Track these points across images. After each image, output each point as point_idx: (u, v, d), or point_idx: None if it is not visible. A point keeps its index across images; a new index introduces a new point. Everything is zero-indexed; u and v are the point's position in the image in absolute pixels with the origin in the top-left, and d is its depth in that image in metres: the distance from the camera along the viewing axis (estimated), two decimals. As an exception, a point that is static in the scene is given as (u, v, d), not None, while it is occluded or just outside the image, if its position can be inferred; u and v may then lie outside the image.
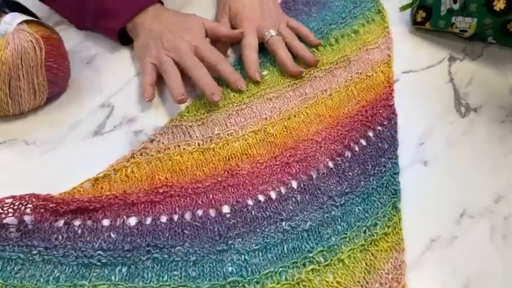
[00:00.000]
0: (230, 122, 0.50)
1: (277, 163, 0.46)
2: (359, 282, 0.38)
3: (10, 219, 0.39)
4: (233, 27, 0.58)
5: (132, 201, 0.42)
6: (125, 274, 0.38)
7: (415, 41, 0.64)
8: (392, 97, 0.54)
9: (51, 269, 0.37)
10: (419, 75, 0.59)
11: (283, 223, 0.41)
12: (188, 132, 0.48)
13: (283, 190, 0.44)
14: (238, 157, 0.47)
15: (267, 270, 0.38)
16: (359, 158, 0.48)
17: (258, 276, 0.38)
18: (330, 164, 0.47)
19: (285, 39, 0.57)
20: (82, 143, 0.48)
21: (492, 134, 0.51)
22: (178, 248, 0.39)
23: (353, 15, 0.66)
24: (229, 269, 0.38)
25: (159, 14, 0.55)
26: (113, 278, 0.37)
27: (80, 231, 0.40)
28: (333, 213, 0.42)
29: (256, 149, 0.47)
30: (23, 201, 0.40)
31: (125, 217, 0.41)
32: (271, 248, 0.40)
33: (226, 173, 0.45)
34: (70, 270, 0.37)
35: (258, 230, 0.41)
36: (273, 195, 0.44)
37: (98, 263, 0.38)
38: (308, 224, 0.41)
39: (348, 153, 0.48)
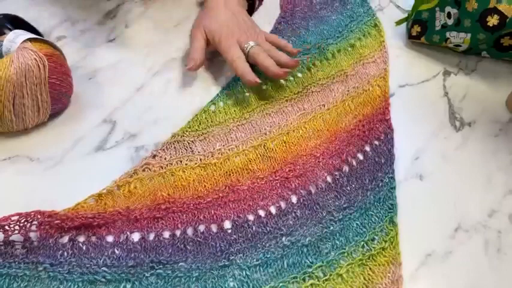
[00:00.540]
0: (231, 137, 0.51)
1: (277, 178, 0.47)
2: (357, 296, 0.39)
3: (16, 236, 0.40)
4: (212, 45, 0.58)
5: (136, 217, 0.43)
6: (129, 290, 0.38)
7: (410, 55, 0.65)
8: (389, 111, 0.56)
9: (56, 285, 0.38)
10: (415, 89, 0.60)
11: (283, 238, 0.42)
12: (190, 148, 0.49)
13: (283, 205, 0.45)
14: (239, 172, 0.48)
15: (268, 285, 0.39)
16: (356, 173, 0.49)
17: (259, 291, 0.39)
18: (329, 179, 0.48)
19: (265, 50, 0.57)
20: (85, 159, 0.49)
21: (486, 148, 0.53)
22: (181, 263, 0.40)
23: (350, 29, 0.68)
24: (231, 284, 0.39)
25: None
26: (117, 294, 0.38)
27: (84, 248, 0.41)
28: (332, 228, 0.43)
29: (257, 164, 0.48)
30: (28, 218, 0.41)
31: (128, 233, 0.42)
32: (272, 263, 0.41)
33: (227, 188, 0.46)
34: (75, 286, 0.38)
35: (258, 245, 0.42)
36: (273, 210, 0.45)
37: (103, 280, 0.39)
38: (307, 239, 0.42)
39: (345, 168, 0.49)
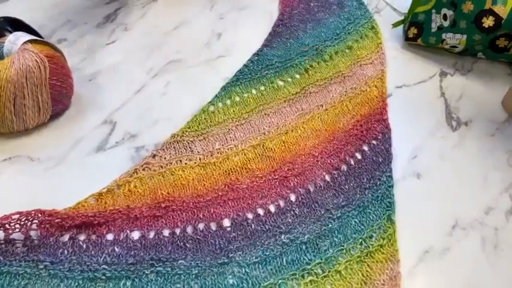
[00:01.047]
0: (230, 137, 0.51)
1: (276, 177, 0.48)
2: (356, 293, 0.39)
3: (17, 235, 0.40)
4: None
5: (136, 215, 0.43)
6: (129, 287, 0.39)
7: (407, 56, 0.66)
8: (386, 111, 0.56)
9: (57, 283, 0.38)
10: (412, 90, 0.60)
11: (282, 236, 0.43)
12: (190, 147, 0.50)
13: (281, 203, 0.46)
14: (238, 171, 0.48)
15: (267, 282, 0.39)
16: (355, 172, 0.49)
17: (258, 288, 0.39)
18: (327, 178, 0.48)
19: None
20: (85, 159, 0.49)
21: (482, 147, 0.53)
22: (181, 261, 0.40)
23: (347, 32, 0.68)
24: (231, 281, 0.39)
25: None
26: (117, 291, 0.38)
27: (84, 246, 0.41)
28: (330, 225, 0.44)
29: (256, 163, 0.49)
30: (29, 217, 0.41)
31: (128, 231, 0.42)
32: (271, 261, 0.41)
33: (226, 187, 0.46)
34: (76, 284, 0.38)
35: (257, 243, 0.42)
36: (272, 208, 0.45)
37: (103, 277, 0.39)
38: (306, 236, 0.43)
39: (344, 167, 0.50)
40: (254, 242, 0.42)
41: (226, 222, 0.44)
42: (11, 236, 0.40)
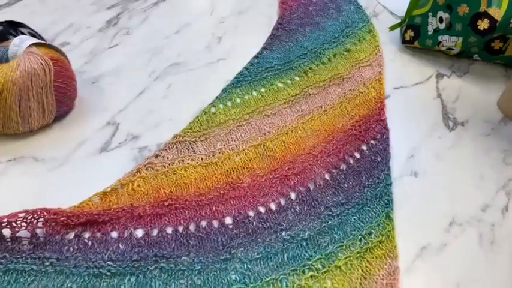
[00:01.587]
0: (231, 137, 0.52)
1: (277, 176, 0.49)
2: (355, 287, 0.40)
3: (23, 233, 0.41)
4: None
5: (139, 213, 0.44)
6: (133, 283, 0.39)
7: (404, 58, 0.67)
8: (384, 112, 0.57)
9: (63, 279, 0.39)
10: (409, 91, 0.62)
11: (283, 233, 0.44)
12: (192, 148, 0.50)
13: (282, 201, 0.47)
14: (240, 171, 0.49)
15: (269, 278, 0.40)
16: (354, 170, 0.50)
17: (260, 284, 0.40)
18: (327, 176, 0.49)
19: None
20: (89, 160, 0.50)
21: (478, 146, 0.54)
22: (184, 257, 0.41)
23: (345, 35, 0.70)
24: (233, 277, 0.40)
25: None
26: (122, 287, 0.39)
27: (89, 243, 0.42)
28: (330, 222, 0.45)
29: (256, 163, 0.50)
30: (35, 215, 0.42)
31: (132, 229, 0.43)
32: (272, 257, 0.42)
33: (228, 186, 0.47)
34: (81, 280, 0.39)
35: (259, 239, 0.43)
36: (273, 206, 0.46)
37: (108, 273, 0.40)
38: (307, 233, 0.44)
39: (343, 166, 0.51)
40: (256, 239, 0.43)
41: (228, 220, 0.45)
42: (18, 234, 0.41)
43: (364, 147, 0.53)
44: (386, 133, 0.54)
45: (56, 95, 0.51)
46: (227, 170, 0.49)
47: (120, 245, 0.42)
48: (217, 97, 0.57)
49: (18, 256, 0.40)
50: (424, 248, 0.43)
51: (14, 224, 0.41)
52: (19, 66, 0.48)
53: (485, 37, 0.61)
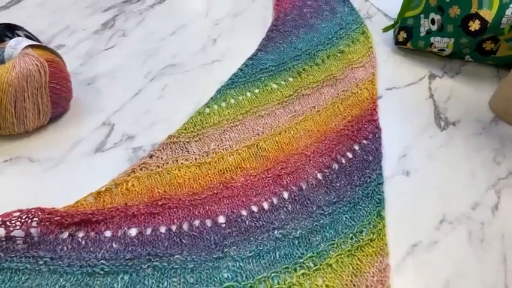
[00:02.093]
0: (225, 138, 0.53)
1: (270, 175, 0.49)
2: (347, 285, 0.40)
3: (17, 232, 0.42)
4: None
5: (133, 213, 0.44)
6: (126, 281, 0.40)
7: (397, 59, 0.68)
8: (376, 112, 0.58)
9: (56, 278, 0.39)
10: (402, 92, 0.62)
11: (275, 231, 0.44)
12: (186, 148, 0.51)
13: (275, 201, 0.47)
14: (233, 170, 0.49)
15: (261, 276, 0.41)
16: (346, 170, 0.51)
17: (252, 281, 0.40)
18: (319, 176, 0.50)
19: None
20: (84, 160, 0.50)
21: (469, 145, 0.55)
22: (177, 256, 0.41)
23: (339, 36, 0.70)
24: (225, 275, 0.41)
25: None
26: (115, 285, 0.39)
27: (83, 242, 0.42)
28: (322, 221, 0.45)
29: (250, 163, 0.50)
30: (29, 215, 0.42)
31: (126, 228, 0.44)
32: (264, 255, 0.42)
33: (221, 185, 0.48)
34: (75, 279, 0.39)
35: (251, 238, 0.43)
36: (266, 205, 0.47)
37: (101, 272, 0.40)
38: (299, 232, 0.44)
39: (335, 166, 0.51)
40: (248, 238, 0.44)
41: (221, 219, 0.45)
42: (12, 233, 0.41)
43: (356, 147, 0.53)
44: (379, 133, 0.55)
45: (51, 96, 0.51)
46: (220, 170, 0.49)
47: (114, 244, 0.42)
48: (211, 98, 0.58)
49: (13, 255, 0.40)
50: (415, 245, 0.44)
51: (8, 223, 0.41)
52: (14, 68, 0.49)
53: (477, 38, 0.61)
